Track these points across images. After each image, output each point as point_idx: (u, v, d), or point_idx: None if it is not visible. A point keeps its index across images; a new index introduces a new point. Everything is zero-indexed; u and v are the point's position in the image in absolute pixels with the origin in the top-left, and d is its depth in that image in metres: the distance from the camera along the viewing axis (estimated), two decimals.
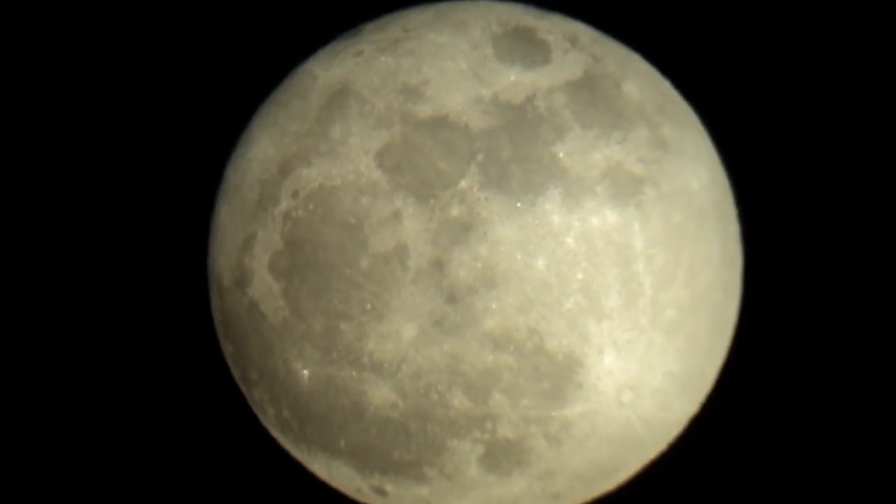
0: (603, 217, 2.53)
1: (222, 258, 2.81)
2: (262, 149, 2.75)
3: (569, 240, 2.51)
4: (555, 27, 2.72)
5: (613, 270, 2.53)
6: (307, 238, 2.59)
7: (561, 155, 2.55)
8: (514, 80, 2.60)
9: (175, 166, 3.43)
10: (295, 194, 2.62)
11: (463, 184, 2.51)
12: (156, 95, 3.48)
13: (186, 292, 3.24)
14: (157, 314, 3.41)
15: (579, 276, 2.51)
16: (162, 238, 3.42)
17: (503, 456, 2.59)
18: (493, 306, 2.49)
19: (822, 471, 3.32)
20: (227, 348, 2.87)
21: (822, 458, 3.33)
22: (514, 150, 2.53)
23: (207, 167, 3.05)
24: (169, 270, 3.39)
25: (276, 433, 2.85)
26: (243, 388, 2.89)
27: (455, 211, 2.50)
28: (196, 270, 3.03)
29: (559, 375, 2.53)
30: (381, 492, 2.71)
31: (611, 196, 2.55)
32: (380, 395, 2.56)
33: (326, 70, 2.73)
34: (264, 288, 2.66)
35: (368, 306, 2.52)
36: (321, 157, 2.61)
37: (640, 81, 2.73)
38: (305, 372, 2.63)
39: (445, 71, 2.60)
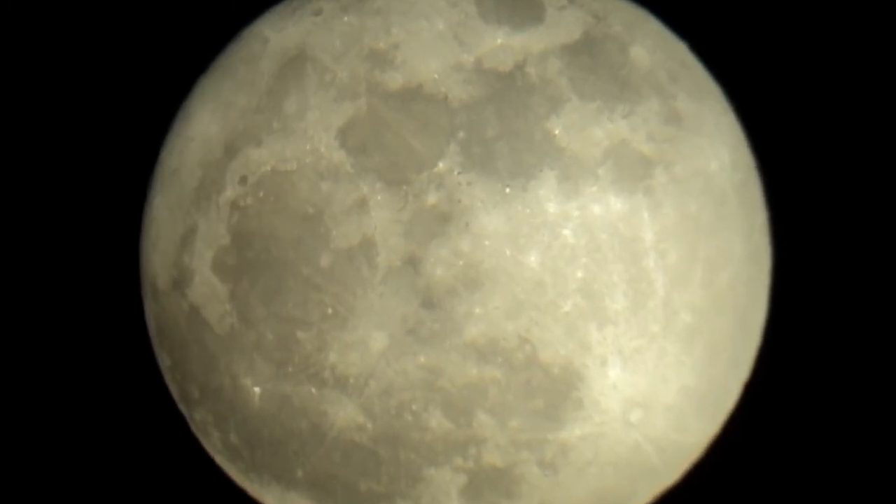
0: (606, 205, 2.55)
1: (157, 256, 2.81)
2: (203, 126, 2.76)
3: (566, 232, 2.52)
4: None
5: (619, 267, 2.54)
6: (257, 231, 2.60)
7: (556, 132, 2.56)
8: (500, 44, 2.61)
9: (99, 148, 3.42)
10: (243, 180, 2.63)
11: (441, 166, 2.52)
12: (74, 63, 3.49)
13: (114, 296, 3.24)
14: (79, 321, 3.41)
15: (579, 274, 2.52)
16: (85, 232, 3.41)
17: (489, 487, 2.61)
18: (477, 311, 2.50)
19: (857, 499, 3.34)
20: (164, 361, 2.88)
21: (857, 486, 3.33)
22: (502, 126, 2.54)
23: (138, 149, 3.06)
24: (93, 270, 3.37)
25: (221, 461, 2.87)
26: (183, 409, 2.89)
27: (432, 198, 2.51)
28: (125, 270, 3.03)
29: (555, 391, 2.54)
30: None
31: (615, 180, 2.56)
32: (344, 415, 2.57)
33: (279, 32, 2.73)
34: (207, 290, 2.67)
35: (330, 311, 2.54)
36: (273, 135, 2.62)
37: (649, 44, 2.74)
38: (256, 389, 2.64)
39: (419, 32, 2.61)
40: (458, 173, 2.51)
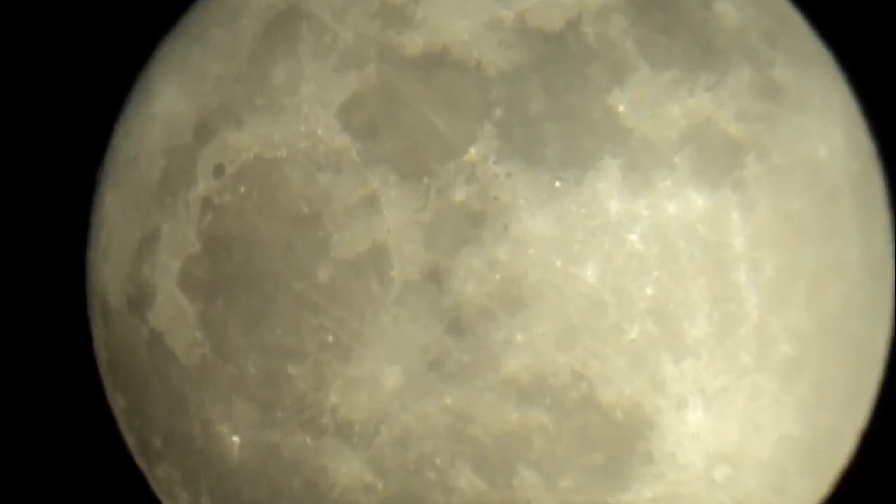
0: (684, 202, 2.54)
1: (108, 267, 2.87)
2: (167, 102, 2.82)
3: (633, 237, 2.52)
4: None
5: (700, 283, 2.54)
6: (237, 236, 2.62)
7: (621, 109, 2.55)
8: None
9: (35, 129, 3.49)
10: (219, 171, 2.66)
11: (472, 153, 2.51)
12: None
13: (52, 318, 3.31)
14: (8, 351, 3.47)
15: (649, 291, 2.52)
16: (15, 236, 3.48)
17: None
18: (519, 338, 2.50)
19: None
20: (118, 402, 2.93)
21: None
22: (550, 102, 2.54)
23: (84, 131, 3.11)
24: (25, 285, 3.45)
25: None
26: (141, 463, 2.94)
27: (460, 194, 2.51)
28: (67, 285, 3.09)
29: (619, 442, 2.55)
30: None
31: (696, 171, 2.56)
32: (348, 472, 2.60)
33: None
34: (173, 311, 2.71)
35: (330, 339, 2.56)
36: (258, 113, 2.65)
37: None
38: (235, 439, 2.68)
39: None
40: (495, 162, 2.51)
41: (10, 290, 3.45)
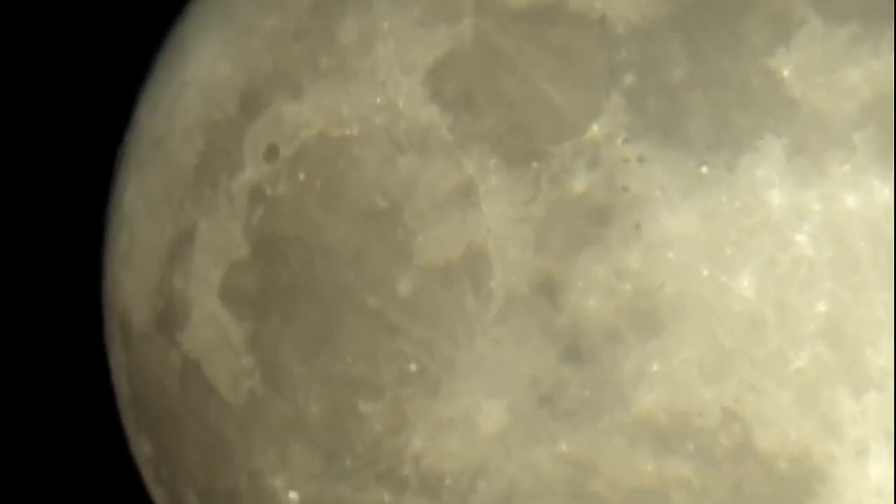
0: (867, 194, 2.43)
1: (131, 277, 2.90)
2: (206, 66, 2.82)
3: (800, 238, 2.42)
4: None
5: (885, 296, 2.42)
6: (295, 236, 2.62)
7: (785, 74, 2.45)
8: None
9: (42, 104, 3.50)
10: (271, 153, 2.65)
11: (595, 130, 2.43)
12: None
13: (61, 342, 3.31)
14: (10, 383, 3.48)
15: (821, 307, 2.41)
16: (17, 241, 3.50)
17: None
18: (655, 368, 2.41)
19: None
20: (142, 449, 2.93)
21: None
22: (695, 65, 2.45)
23: (101, 105, 3.08)
24: (28, 300, 3.48)
25: None
26: None
27: (580, 184, 2.43)
28: (79, 300, 3.09)
29: (782, 500, 2.45)
30: None
31: (881, 153, 2.44)
32: None
33: None
34: (213, 333, 2.72)
35: (413, 368, 2.52)
36: (321, 79, 2.64)
37: None
38: (293, 495, 2.66)
39: None
40: (624, 142, 2.43)
41: (8, 306, 3.46)
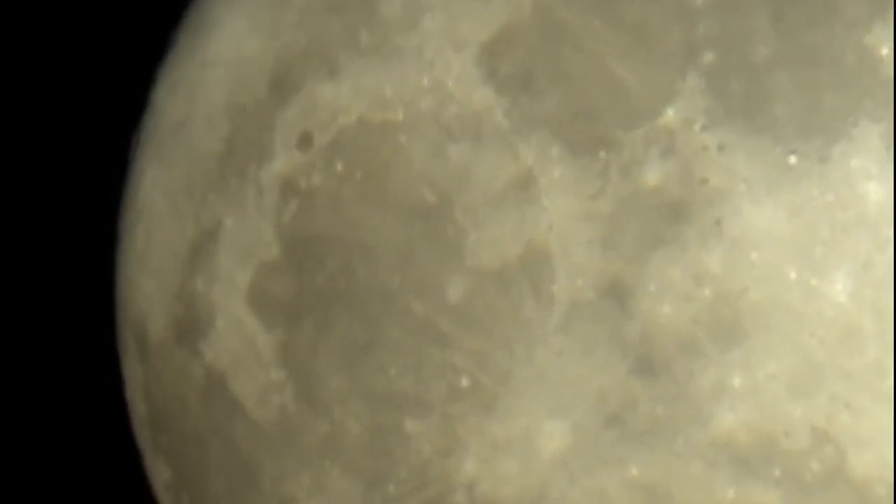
0: None
1: (147, 280, 2.85)
2: (232, 42, 2.79)
3: None
4: None
5: None
6: (332, 234, 2.57)
7: (884, 52, 2.39)
8: None
9: (48, 84, 3.48)
10: (305, 141, 2.61)
11: (670, 115, 2.37)
12: None
13: (70, 354, 3.30)
14: (14, 398, 3.46)
15: None
16: (20, 241, 3.48)
17: None
18: (737, 382, 2.35)
19: None
20: (160, 473, 2.92)
21: None
22: (783, 42, 2.39)
23: (115, 86, 3.07)
24: (33, 306, 3.46)
25: None
26: None
27: (653, 175, 2.37)
28: (89, 306, 3.07)
29: None
30: None
31: None
32: None
33: None
34: (239, 343, 2.67)
35: (465, 382, 2.45)
36: (361, 57, 2.59)
37: None
38: None
39: None
40: (703, 129, 2.36)
41: (10, 311, 3.41)
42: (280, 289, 2.58)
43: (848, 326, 2.33)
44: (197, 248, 2.71)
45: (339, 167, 2.53)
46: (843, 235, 2.34)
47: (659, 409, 2.35)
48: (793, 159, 2.34)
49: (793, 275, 2.33)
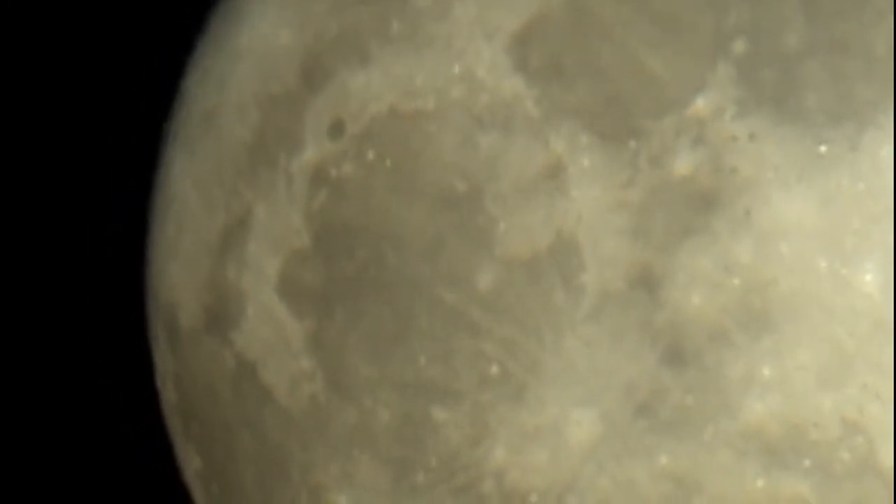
0: None
1: (178, 269, 2.86)
2: (262, 31, 2.79)
3: None
4: None
5: None
6: (363, 223, 2.57)
7: None
8: None
9: (74, 72, 3.49)
10: (336, 129, 2.60)
11: (700, 104, 2.37)
12: None
13: (100, 343, 3.32)
14: (43, 382, 3.48)
15: None
16: (49, 231, 3.49)
17: None
18: (767, 372, 2.35)
19: None
20: (191, 461, 2.94)
21: None
22: (814, 30, 2.39)
23: (144, 75, 3.11)
24: (62, 296, 3.46)
25: None
26: None
27: (682, 164, 2.37)
28: (120, 296, 3.10)
29: None
30: None
31: None
32: None
33: None
34: (270, 332, 2.67)
35: (494, 371, 2.45)
36: (392, 46, 2.58)
37: None
38: None
39: None
40: (733, 118, 2.36)
41: (40, 302, 3.41)
42: (310, 277, 2.59)
43: (878, 317, 2.33)
44: (227, 236, 2.73)
45: (370, 156, 2.54)
46: (873, 225, 2.34)
47: (688, 399, 2.36)
48: (823, 148, 2.34)
49: (823, 265, 2.33)
